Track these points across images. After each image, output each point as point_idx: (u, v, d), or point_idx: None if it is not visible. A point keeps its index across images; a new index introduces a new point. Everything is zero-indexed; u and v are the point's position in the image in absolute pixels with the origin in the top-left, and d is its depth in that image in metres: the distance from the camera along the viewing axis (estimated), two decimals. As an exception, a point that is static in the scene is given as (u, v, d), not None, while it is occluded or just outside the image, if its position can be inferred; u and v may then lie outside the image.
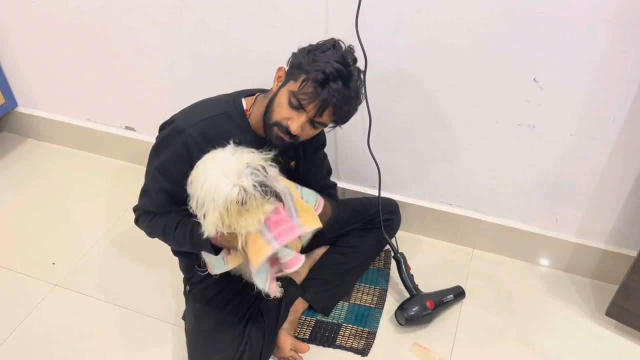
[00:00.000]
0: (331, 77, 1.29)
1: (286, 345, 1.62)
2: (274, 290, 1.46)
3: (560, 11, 1.42)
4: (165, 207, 1.46)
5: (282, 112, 1.35)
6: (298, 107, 1.33)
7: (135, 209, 1.52)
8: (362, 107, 1.73)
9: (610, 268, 1.84)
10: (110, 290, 1.86)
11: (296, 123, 1.34)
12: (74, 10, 2.03)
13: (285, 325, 1.67)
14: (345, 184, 2.05)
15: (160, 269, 1.92)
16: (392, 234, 1.87)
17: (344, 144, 1.94)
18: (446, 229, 2.01)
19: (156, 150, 1.43)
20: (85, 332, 1.74)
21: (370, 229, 1.82)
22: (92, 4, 1.99)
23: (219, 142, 1.31)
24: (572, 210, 1.79)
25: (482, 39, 1.53)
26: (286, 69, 1.40)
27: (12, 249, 2.02)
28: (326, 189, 1.71)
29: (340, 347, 1.68)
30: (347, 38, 1.63)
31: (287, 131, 1.36)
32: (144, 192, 1.49)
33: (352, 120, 1.82)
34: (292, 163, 1.57)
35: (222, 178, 1.20)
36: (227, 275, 1.52)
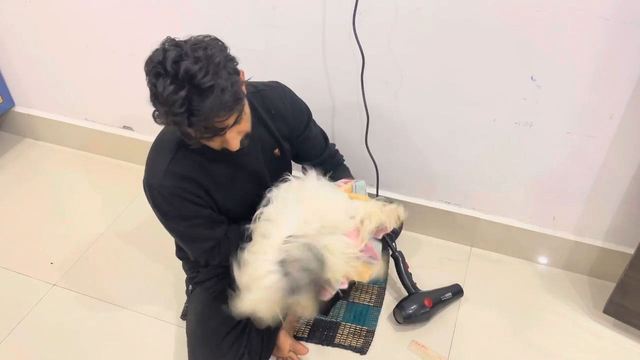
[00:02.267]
0: (191, 112, 1.13)
1: (285, 346, 1.63)
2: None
3: (557, 9, 1.42)
4: (208, 235, 1.45)
5: (212, 144, 1.27)
6: (213, 137, 1.24)
7: (196, 259, 1.50)
8: (359, 106, 1.74)
9: (608, 266, 1.84)
10: (109, 290, 1.86)
11: (231, 143, 1.26)
12: (71, 10, 2.03)
13: (285, 325, 1.67)
14: (344, 182, 2.05)
15: (158, 268, 1.92)
16: (393, 238, 1.86)
17: (341, 142, 1.93)
18: (444, 227, 2.02)
19: (155, 210, 1.42)
20: (84, 331, 1.74)
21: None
22: (88, 4, 1.98)
23: (195, 175, 1.34)
24: (569, 208, 1.80)
25: (479, 37, 1.53)
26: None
27: (10, 248, 2.02)
28: (332, 158, 1.66)
29: (339, 345, 1.68)
30: (344, 36, 1.64)
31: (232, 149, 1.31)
32: (186, 239, 1.46)
33: (350, 119, 1.84)
34: (277, 150, 1.52)
35: (268, 264, 1.17)
36: (229, 273, 1.53)
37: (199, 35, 1.20)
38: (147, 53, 2.09)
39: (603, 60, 1.46)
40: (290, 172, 1.62)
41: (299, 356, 1.64)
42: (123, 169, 2.38)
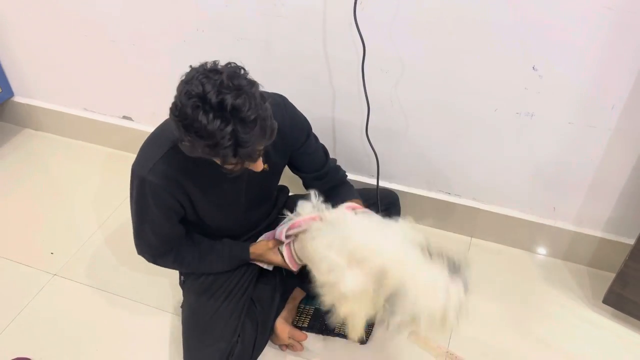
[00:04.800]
0: (239, 143, 1.14)
1: (284, 334, 1.63)
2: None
3: (560, -2, 1.41)
4: (170, 242, 1.48)
5: (235, 168, 1.26)
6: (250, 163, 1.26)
7: (140, 254, 1.52)
8: (360, 96, 1.73)
9: (607, 256, 1.84)
10: (109, 280, 1.87)
11: (257, 166, 1.29)
12: (70, 0, 2.02)
13: (284, 313, 1.68)
14: (344, 173, 2.05)
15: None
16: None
17: (342, 133, 1.94)
18: (444, 218, 2.02)
19: (130, 199, 1.42)
20: (84, 321, 1.74)
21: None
22: (88, -8, 1.97)
23: (181, 177, 1.35)
24: (570, 199, 1.80)
25: (480, 26, 1.52)
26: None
27: (10, 239, 2.02)
28: (335, 174, 1.65)
29: (339, 335, 1.69)
30: (345, 26, 1.63)
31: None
32: (139, 236, 1.47)
33: (350, 109, 1.83)
34: (265, 165, 1.46)
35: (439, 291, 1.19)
36: None
37: (217, 62, 1.20)
38: (146, 43, 2.08)
39: (606, 50, 1.45)
40: (275, 186, 1.68)
41: (300, 342, 1.65)
42: (123, 158, 2.38)
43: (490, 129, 1.72)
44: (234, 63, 1.19)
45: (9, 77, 2.42)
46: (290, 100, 1.50)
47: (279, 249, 1.52)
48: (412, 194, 1.98)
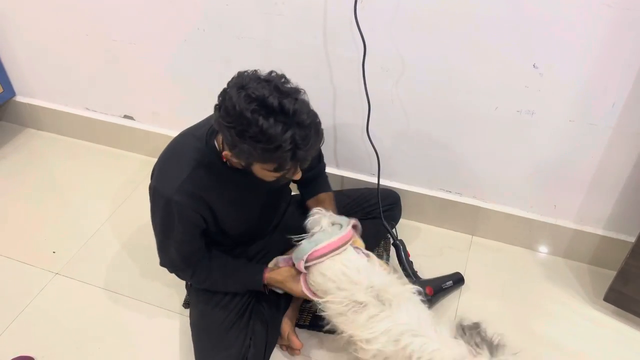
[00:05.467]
0: (297, 146, 1.17)
1: (284, 333, 1.64)
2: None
3: (560, -4, 1.41)
4: (191, 257, 1.49)
5: (275, 176, 1.29)
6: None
7: (163, 266, 1.54)
8: (361, 95, 1.74)
9: (608, 254, 1.84)
10: (111, 278, 1.87)
11: (298, 175, 1.31)
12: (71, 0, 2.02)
13: (289, 313, 1.68)
14: (345, 172, 2.05)
15: (160, 257, 1.93)
16: (392, 225, 1.87)
17: (343, 132, 1.94)
18: (445, 216, 2.02)
19: (154, 217, 1.44)
20: (86, 319, 1.75)
21: (370, 219, 1.82)
22: (89, -8, 1.98)
23: (206, 194, 1.37)
24: (570, 197, 1.80)
25: (481, 24, 1.52)
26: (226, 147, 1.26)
27: (12, 238, 2.03)
28: (318, 170, 1.71)
29: (340, 334, 1.68)
30: (345, 24, 1.63)
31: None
32: (163, 251, 1.49)
33: (351, 107, 1.84)
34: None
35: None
36: None
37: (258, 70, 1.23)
38: (147, 42, 2.08)
39: (606, 47, 1.45)
40: (289, 194, 1.73)
41: (294, 349, 1.64)
42: (124, 158, 2.38)
43: (491, 127, 1.72)
44: (276, 72, 1.22)
45: (10, 77, 2.42)
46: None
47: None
48: (413, 192, 1.98)
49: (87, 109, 2.39)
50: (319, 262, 1.42)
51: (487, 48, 1.56)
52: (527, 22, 1.48)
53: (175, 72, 2.06)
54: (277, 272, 1.53)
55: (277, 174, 1.27)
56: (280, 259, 1.58)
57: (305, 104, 1.19)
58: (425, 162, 1.91)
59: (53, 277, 1.87)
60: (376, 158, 1.77)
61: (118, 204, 2.15)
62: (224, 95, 1.19)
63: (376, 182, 1.78)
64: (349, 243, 1.46)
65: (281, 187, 1.63)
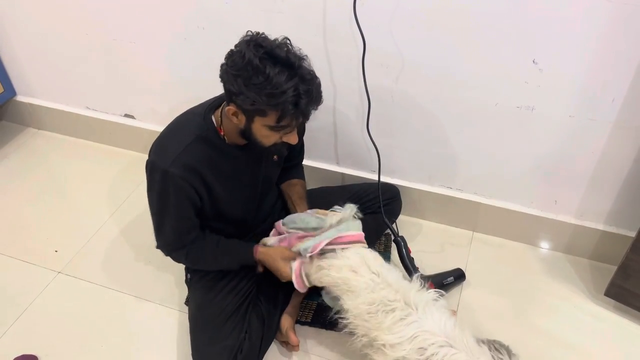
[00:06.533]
0: (300, 96, 1.23)
1: (283, 329, 1.64)
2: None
3: (559, -9, 1.41)
4: (186, 235, 1.50)
5: (272, 138, 1.35)
6: (296, 126, 1.34)
7: (159, 247, 1.55)
8: (361, 91, 1.74)
9: (609, 249, 1.85)
10: (113, 277, 1.88)
11: (294, 138, 1.37)
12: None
13: (289, 309, 1.68)
14: (345, 168, 2.05)
15: (161, 255, 1.92)
16: (392, 220, 1.87)
17: (343, 128, 1.94)
18: (446, 212, 2.02)
19: (150, 192, 1.45)
20: (89, 318, 1.75)
21: (369, 213, 1.82)
22: (88, -9, 1.98)
23: (202, 168, 1.39)
24: (571, 192, 1.80)
25: (480, 20, 1.52)
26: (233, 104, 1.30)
27: (14, 237, 2.03)
28: (296, 166, 1.77)
29: (342, 330, 1.69)
30: (345, 21, 1.63)
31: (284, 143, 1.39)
32: (159, 229, 1.50)
33: (351, 104, 1.84)
34: (275, 157, 1.58)
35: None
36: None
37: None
38: (147, 41, 2.08)
39: (605, 42, 1.45)
40: (277, 192, 1.76)
41: (292, 346, 1.64)
42: (125, 157, 2.39)
43: (491, 123, 1.72)
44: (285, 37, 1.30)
45: (11, 76, 2.43)
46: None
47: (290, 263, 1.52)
48: (413, 188, 1.98)
49: (87, 108, 2.39)
50: (343, 248, 1.45)
51: (486, 44, 1.56)
52: (527, 18, 1.48)
53: (175, 70, 2.06)
54: (272, 248, 1.56)
55: (277, 134, 1.32)
56: (269, 239, 1.61)
57: (308, 66, 1.27)
58: (425, 158, 1.91)
59: (55, 276, 1.88)
60: (377, 154, 1.77)
61: (119, 203, 2.16)
62: (231, 50, 1.26)
63: (377, 178, 1.78)
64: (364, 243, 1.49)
65: (272, 177, 1.65)
